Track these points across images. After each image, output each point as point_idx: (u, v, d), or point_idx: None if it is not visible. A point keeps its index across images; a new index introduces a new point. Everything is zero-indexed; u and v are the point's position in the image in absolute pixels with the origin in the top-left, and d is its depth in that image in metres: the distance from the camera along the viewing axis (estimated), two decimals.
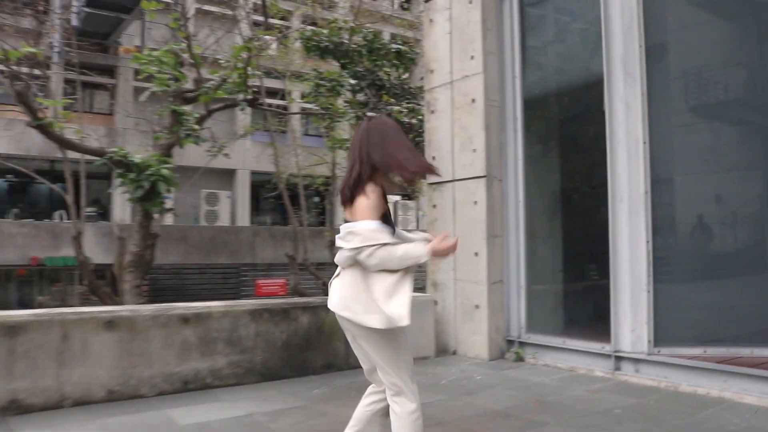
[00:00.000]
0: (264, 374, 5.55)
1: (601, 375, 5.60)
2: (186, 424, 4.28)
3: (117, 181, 6.65)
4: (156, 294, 19.40)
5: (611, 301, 5.60)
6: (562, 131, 7.16)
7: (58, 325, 4.72)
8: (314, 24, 19.32)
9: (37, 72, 12.20)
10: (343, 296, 2.89)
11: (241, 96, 6.87)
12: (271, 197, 22.52)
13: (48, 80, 13.51)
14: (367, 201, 2.81)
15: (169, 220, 20.17)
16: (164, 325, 5.14)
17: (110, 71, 23.92)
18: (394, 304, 2.78)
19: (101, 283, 13.69)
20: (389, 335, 2.83)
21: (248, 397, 4.99)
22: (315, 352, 5.86)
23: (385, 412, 2.98)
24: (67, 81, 19.93)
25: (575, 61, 6.68)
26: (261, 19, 9.81)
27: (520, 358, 6.39)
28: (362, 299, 2.81)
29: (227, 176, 25.17)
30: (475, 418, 4.41)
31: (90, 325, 4.84)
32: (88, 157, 9.44)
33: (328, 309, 3.02)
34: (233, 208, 24.49)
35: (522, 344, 6.48)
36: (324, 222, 26.57)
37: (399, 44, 9.65)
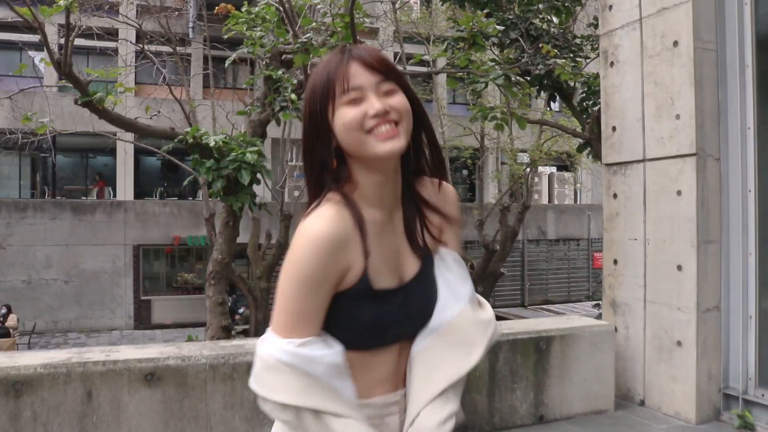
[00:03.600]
0: None
1: None
2: None
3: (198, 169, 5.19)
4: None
5: None
6: None
7: (78, 380, 3.39)
8: None
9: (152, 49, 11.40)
10: None
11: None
12: None
13: (177, 56, 12.83)
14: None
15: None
16: (228, 378, 3.67)
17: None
18: None
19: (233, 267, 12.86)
20: None
21: None
22: None
23: None
24: (206, 58, 19.43)
25: None
26: None
27: (746, 425, 4.31)
28: None
29: None
30: None
31: (123, 379, 3.47)
32: None
33: None
34: None
35: (749, 404, 4.39)
36: (473, 198, 24.89)
37: None
